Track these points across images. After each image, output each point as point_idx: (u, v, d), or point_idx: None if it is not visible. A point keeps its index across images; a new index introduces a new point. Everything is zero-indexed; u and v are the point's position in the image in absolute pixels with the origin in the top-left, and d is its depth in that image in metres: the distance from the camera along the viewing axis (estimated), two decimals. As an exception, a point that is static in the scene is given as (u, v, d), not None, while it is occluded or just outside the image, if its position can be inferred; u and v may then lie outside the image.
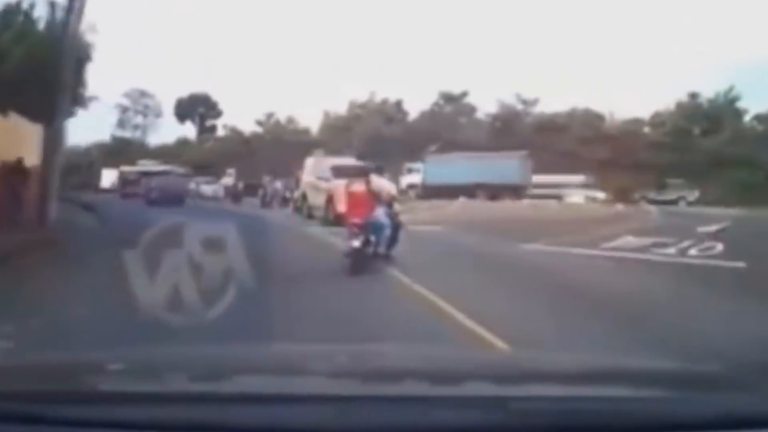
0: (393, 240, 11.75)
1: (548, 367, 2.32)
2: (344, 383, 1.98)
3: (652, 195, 43.69)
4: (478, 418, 1.53)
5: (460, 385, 1.99)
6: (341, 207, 19.93)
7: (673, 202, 41.05)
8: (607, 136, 52.29)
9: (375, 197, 11.45)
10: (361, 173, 20.20)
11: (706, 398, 1.75)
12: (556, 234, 17.77)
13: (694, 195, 43.24)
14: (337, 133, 61.64)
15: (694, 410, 1.59)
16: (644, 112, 55.75)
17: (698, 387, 1.93)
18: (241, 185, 41.70)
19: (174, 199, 31.19)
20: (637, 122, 54.40)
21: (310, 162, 25.03)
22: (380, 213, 11.42)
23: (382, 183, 12.20)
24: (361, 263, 10.73)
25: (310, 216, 23.00)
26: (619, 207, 36.76)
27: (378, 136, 57.30)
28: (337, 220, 19.93)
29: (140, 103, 73.02)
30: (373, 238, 11.23)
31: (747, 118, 53.05)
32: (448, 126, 59.30)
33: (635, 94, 79.92)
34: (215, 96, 74.25)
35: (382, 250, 11.46)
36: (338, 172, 21.29)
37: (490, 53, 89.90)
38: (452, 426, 1.50)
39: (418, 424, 1.49)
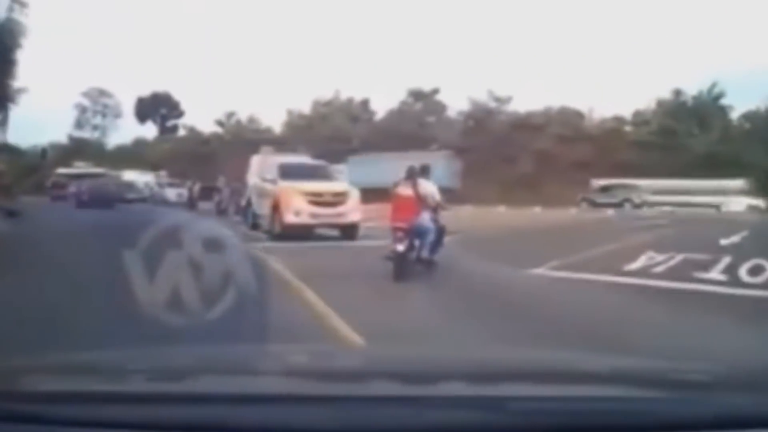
0: (437, 244, 11.64)
1: (548, 367, 2.27)
2: (343, 384, 1.96)
3: (595, 197, 41.42)
4: (476, 418, 1.53)
5: (459, 385, 1.98)
6: (289, 215, 16.62)
7: (618, 205, 38.67)
8: (587, 135, 49.21)
9: (421, 201, 11.26)
10: (319, 174, 16.73)
11: (706, 398, 1.72)
12: (558, 250, 14.15)
13: (641, 197, 40.82)
14: (300, 132, 59.11)
15: (694, 410, 1.58)
16: (624, 109, 52.75)
17: (698, 387, 1.90)
18: (197, 188, 38.49)
19: (104, 202, 31.31)
20: (618, 120, 51.23)
21: (255, 161, 20.98)
22: (425, 217, 11.32)
23: (428, 187, 11.66)
24: (403, 268, 10.74)
25: (255, 226, 19.14)
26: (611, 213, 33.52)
27: (342, 136, 55.09)
28: (286, 233, 16.35)
29: (99, 103, 71.63)
30: (417, 242, 11.31)
31: (733, 116, 50.71)
32: (417, 125, 56.78)
33: (613, 91, 76.63)
34: (177, 95, 72.72)
35: (425, 254, 11.45)
36: (287, 172, 17.53)
37: (461, 48, 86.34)
38: (451, 426, 1.50)
39: (417, 425, 1.49)
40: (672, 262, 12.47)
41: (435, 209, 11.72)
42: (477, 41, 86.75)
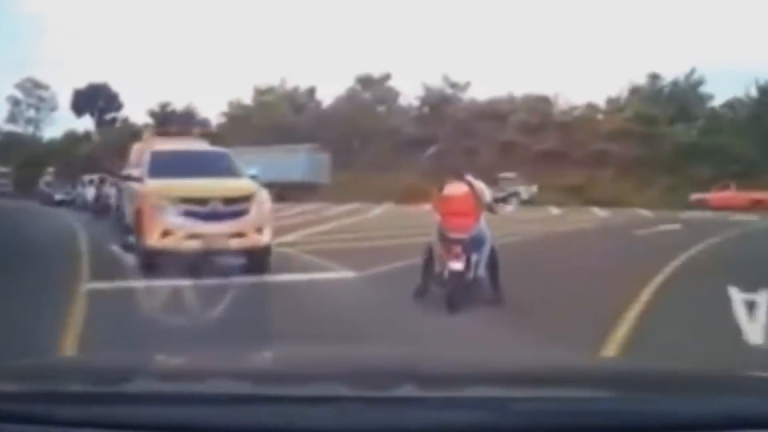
0: (494, 264, 9.08)
1: (548, 367, 2.24)
2: (343, 384, 1.87)
3: None
4: (477, 419, 1.51)
5: (460, 385, 1.94)
6: (153, 236, 10.66)
7: (503, 200, 34.45)
8: (556, 123, 44.16)
9: (478, 202, 9.11)
10: (213, 167, 11.09)
11: (707, 398, 1.71)
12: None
13: (530, 192, 37.51)
14: (237, 123, 55.34)
15: (695, 410, 1.57)
16: (594, 96, 47.84)
17: (698, 387, 1.88)
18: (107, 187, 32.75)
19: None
20: (590, 108, 46.26)
21: (135, 150, 14.77)
22: (483, 224, 9.15)
23: (479, 185, 9.35)
24: (462, 293, 8.58)
25: (126, 240, 12.89)
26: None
27: (285, 126, 50.58)
28: (153, 264, 10.59)
29: (34, 95, 68.58)
30: (475, 257, 8.90)
31: (712, 104, 46.53)
32: (367, 114, 52.02)
33: (581, 76, 70.80)
34: (115, 87, 68.69)
35: (482, 272, 8.95)
36: (159, 165, 11.66)
37: (413, 30, 79.49)
38: (451, 427, 1.48)
39: (417, 425, 1.48)
40: None
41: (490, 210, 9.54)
42: (431, 21, 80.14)
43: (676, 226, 21.94)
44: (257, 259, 10.77)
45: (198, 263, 10.22)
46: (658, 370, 2.30)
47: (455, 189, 9.25)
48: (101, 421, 1.49)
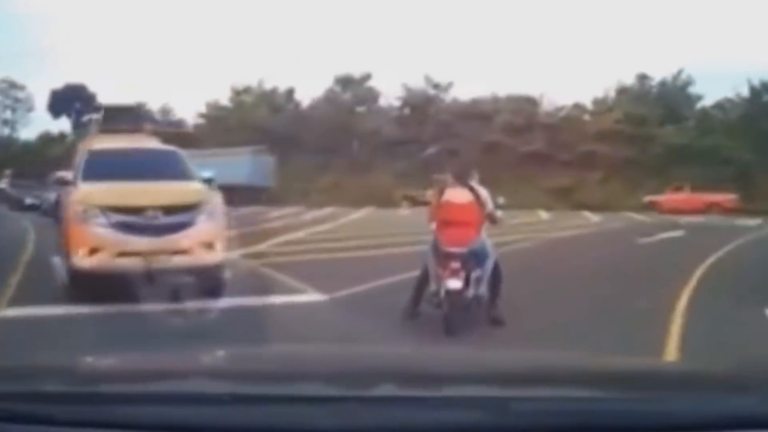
0: (496, 279, 8.01)
1: (548, 367, 2.21)
2: (343, 384, 1.87)
3: (419, 195, 35.11)
4: (476, 419, 1.52)
5: (460, 385, 1.94)
6: (79, 253, 8.74)
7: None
8: (542, 124, 42.62)
9: (481, 211, 8.04)
10: (159, 170, 9.39)
11: (706, 398, 1.71)
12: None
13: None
14: (214, 123, 54.07)
15: (694, 410, 1.57)
16: (581, 97, 46.31)
17: (698, 387, 1.89)
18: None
19: None
20: (577, 108, 44.77)
21: (80, 151, 12.71)
22: (485, 237, 8.10)
23: (483, 191, 8.21)
24: (461, 316, 7.52)
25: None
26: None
27: (263, 127, 48.77)
28: (81, 286, 8.77)
29: (10, 96, 67.81)
30: (478, 273, 7.76)
31: (701, 105, 45.12)
32: (346, 114, 50.13)
33: (567, 75, 69.06)
34: (92, 87, 66.11)
35: (484, 291, 7.83)
36: (94, 166, 9.84)
37: (394, 28, 77.23)
38: (452, 427, 1.48)
39: (418, 425, 1.47)
40: None
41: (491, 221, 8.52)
42: (412, 20, 78.17)
43: (679, 233, 20.35)
44: (208, 280, 8.92)
45: (137, 286, 8.40)
46: (659, 370, 2.31)
47: (457, 195, 8.12)
48: (101, 421, 1.49)
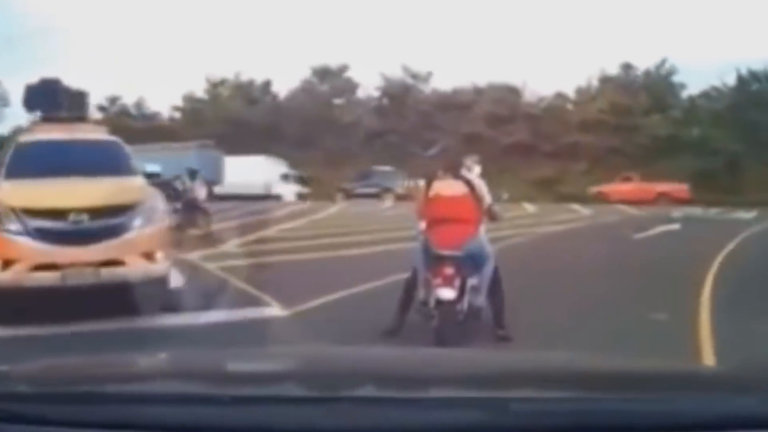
0: (496, 286, 7.05)
1: (548, 367, 2.20)
2: (342, 384, 1.84)
3: (353, 186, 35.58)
4: (476, 419, 1.51)
5: (459, 386, 1.94)
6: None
7: (375, 196, 33.84)
8: (525, 115, 41.43)
9: (479, 206, 7.07)
10: (94, 165, 8.16)
11: (706, 398, 1.70)
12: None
13: (404, 186, 34.37)
14: (190, 116, 52.43)
15: (694, 410, 1.56)
16: (561, 85, 45.16)
17: (698, 387, 1.89)
18: None
19: None
20: (561, 98, 43.62)
21: (9, 143, 11.28)
22: (484, 236, 7.15)
23: (479, 183, 7.23)
24: (452, 330, 6.52)
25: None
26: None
27: (239, 120, 47.44)
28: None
29: None
30: (475, 280, 6.83)
31: (686, 94, 44.02)
32: (324, 107, 48.65)
33: (547, 64, 67.28)
34: (67, 81, 63.22)
35: (482, 302, 6.88)
36: (19, 161, 8.60)
37: (371, 16, 75.30)
38: (450, 428, 1.47)
39: (417, 426, 1.47)
40: None
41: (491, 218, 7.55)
42: (389, 8, 76.07)
43: (675, 226, 19.17)
44: (147, 297, 7.49)
45: (57, 304, 7.05)
46: (659, 369, 2.24)
47: (448, 188, 7.09)
48: (101, 421, 1.49)
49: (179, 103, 56.22)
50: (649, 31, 67.90)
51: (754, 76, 39.55)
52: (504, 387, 1.88)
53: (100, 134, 10.09)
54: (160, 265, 7.73)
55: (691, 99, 42.44)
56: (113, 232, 7.46)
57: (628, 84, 43.51)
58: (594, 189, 34.94)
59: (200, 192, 17.85)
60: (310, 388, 1.80)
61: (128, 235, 7.51)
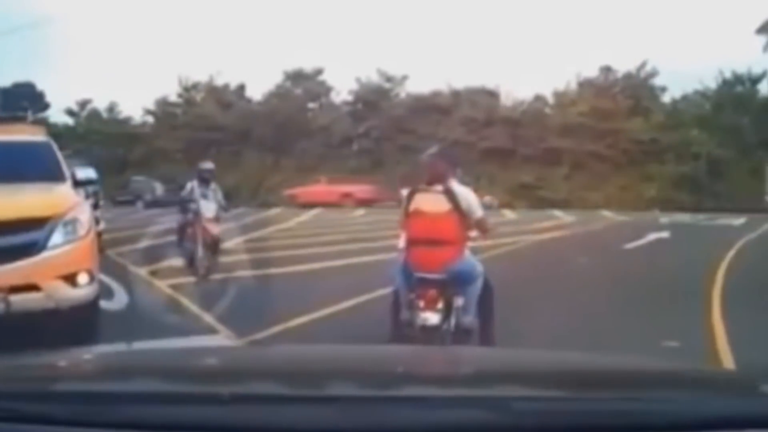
0: (486, 303, 6.50)
1: (549, 366, 2.19)
2: (344, 384, 1.89)
3: (117, 194, 36.41)
4: (478, 418, 1.50)
5: (461, 385, 1.93)
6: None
7: (131, 203, 35.49)
8: (503, 119, 40.50)
9: (464, 222, 6.41)
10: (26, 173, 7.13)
11: (707, 398, 1.70)
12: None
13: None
14: (162, 121, 51.67)
15: (695, 410, 1.55)
16: (539, 88, 44.00)
17: (699, 387, 1.88)
18: None
19: None
20: (540, 101, 42.74)
21: None
22: (470, 255, 6.57)
23: (467, 194, 6.45)
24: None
25: None
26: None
27: (213, 124, 46.98)
28: None
29: None
30: (461, 301, 6.36)
31: (669, 97, 43.22)
32: (298, 111, 47.68)
33: (525, 67, 66.49)
34: (41, 85, 61.99)
35: (471, 322, 6.36)
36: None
37: (345, 19, 74.09)
38: (451, 427, 1.46)
39: (418, 425, 1.46)
40: None
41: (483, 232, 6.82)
42: (364, 11, 75.05)
43: (665, 234, 18.23)
44: (69, 326, 6.30)
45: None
46: (658, 369, 2.25)
47: (430, 203, 6.43)
48: (101, 421, 1.47)
49: (152, 107, 54.86)
50: (628, 33, 67.64)
51: (738, 78, 38.97)
52: (504, 386, 1.87)
53: (28, 135, 8.84)
54: (83, 289, 6.55)
55: (674, 102, 41.74)
56: (26, 251, 6.28)
57: (609, 87, 42.80)
58: (287, 192, 36.29)
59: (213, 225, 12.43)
60: (312, 387, 1.77)
61: (44, 255, 6.34)
